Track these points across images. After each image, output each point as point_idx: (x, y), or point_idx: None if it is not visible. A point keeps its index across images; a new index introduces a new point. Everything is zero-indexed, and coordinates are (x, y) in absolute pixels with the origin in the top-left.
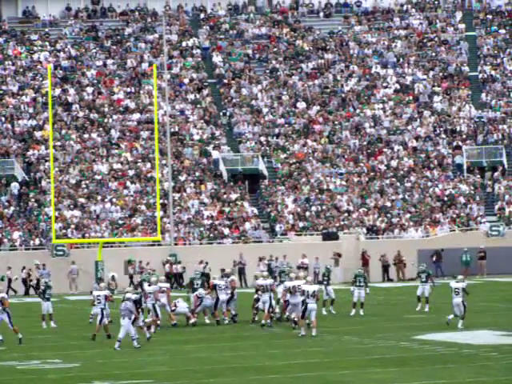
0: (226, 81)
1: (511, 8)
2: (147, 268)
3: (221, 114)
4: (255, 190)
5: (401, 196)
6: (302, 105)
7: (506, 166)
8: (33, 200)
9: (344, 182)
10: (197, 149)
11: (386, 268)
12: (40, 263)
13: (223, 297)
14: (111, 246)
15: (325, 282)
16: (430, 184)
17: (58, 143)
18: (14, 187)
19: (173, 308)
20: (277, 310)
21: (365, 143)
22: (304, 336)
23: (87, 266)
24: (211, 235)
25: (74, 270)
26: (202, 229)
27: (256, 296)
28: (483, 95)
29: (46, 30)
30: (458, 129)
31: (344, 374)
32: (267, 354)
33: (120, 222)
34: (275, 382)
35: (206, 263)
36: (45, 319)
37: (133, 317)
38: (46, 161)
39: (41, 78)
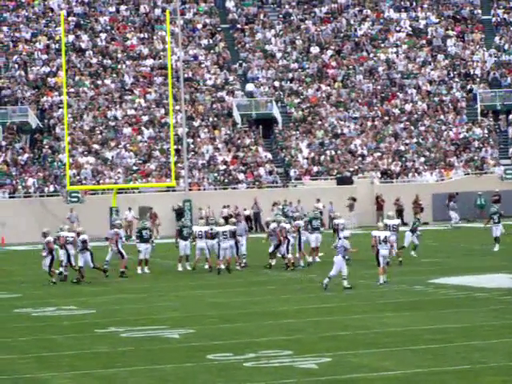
0: (239, 26)
1: None
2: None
3: (237, 64)
4: (269, 135)
5: (415, 140)
6: (315, 49)
7: None
8: (47, 147)
9: (358, 126)
10: (209, 94)
11: (400, 212)
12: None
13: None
14: (125, 192)
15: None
16: (444, 128)
17: (72, 90)
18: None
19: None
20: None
21: (378, 87)
22: (384, 283)
23: (102, 211)
24: (226, 180)
25: (73, 216)
26: (216, 174)
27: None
28: (496, 39)
29: None
30: (471, 72)
31: (361, 318)
32: (282, 299)
33: (134, 167)
34: (291, 326)
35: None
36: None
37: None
38: (60, 107)
39: (54, 25)
